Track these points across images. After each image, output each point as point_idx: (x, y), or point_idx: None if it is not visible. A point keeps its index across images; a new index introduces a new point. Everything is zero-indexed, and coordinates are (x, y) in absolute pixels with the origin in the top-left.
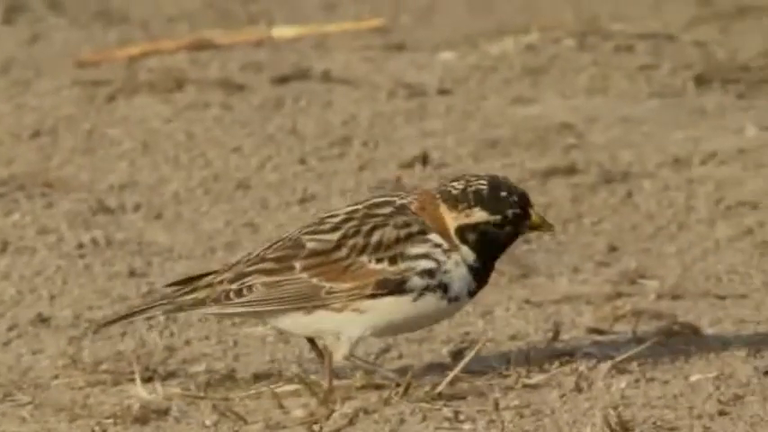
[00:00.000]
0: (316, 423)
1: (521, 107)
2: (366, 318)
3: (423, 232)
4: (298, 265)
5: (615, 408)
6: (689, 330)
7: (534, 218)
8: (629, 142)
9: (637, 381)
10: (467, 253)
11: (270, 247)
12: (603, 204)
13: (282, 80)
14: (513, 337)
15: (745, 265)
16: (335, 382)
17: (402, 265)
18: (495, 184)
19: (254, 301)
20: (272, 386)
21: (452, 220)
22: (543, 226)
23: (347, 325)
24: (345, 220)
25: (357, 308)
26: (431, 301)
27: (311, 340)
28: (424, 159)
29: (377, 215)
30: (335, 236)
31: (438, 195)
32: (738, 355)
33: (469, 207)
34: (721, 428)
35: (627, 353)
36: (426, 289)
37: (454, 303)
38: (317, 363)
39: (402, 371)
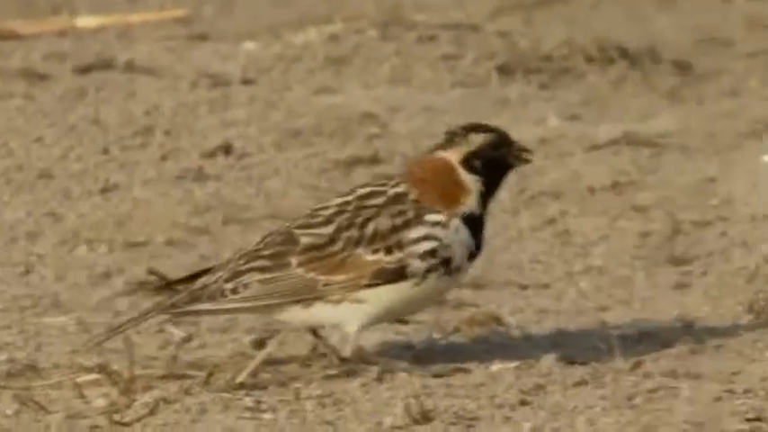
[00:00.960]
0: (116, 412)
1: (324, 97)
2: (365, 307)
3: (418, 216)
4: (293, 260)
5: (416, 397)
6: (491, 320)
7: (518, 143)
8: (432, 132)
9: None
10: (474, 184)
11: (262, 241)
12: None
13: (85, 70)
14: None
15: (546, 254)
16: (136, 372)
17: (399, 254)
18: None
19: (250, 297)
20: (72, 376)
21: (455, 155)
22: (527, 151)
23: (346, 316)
24: (337, 213)
25: (355, 298)
26: (432, 281)
27: (314, 332)
28: (227, 149)
29: (369, 206)
30: (329, 229)
31: (428, 153)
32: (540, 344)
33: (465, 136)
34: (522, 418)
35: (429, 342)
36: (429, 270)
37: (455, 275)
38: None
39: (204, 360)
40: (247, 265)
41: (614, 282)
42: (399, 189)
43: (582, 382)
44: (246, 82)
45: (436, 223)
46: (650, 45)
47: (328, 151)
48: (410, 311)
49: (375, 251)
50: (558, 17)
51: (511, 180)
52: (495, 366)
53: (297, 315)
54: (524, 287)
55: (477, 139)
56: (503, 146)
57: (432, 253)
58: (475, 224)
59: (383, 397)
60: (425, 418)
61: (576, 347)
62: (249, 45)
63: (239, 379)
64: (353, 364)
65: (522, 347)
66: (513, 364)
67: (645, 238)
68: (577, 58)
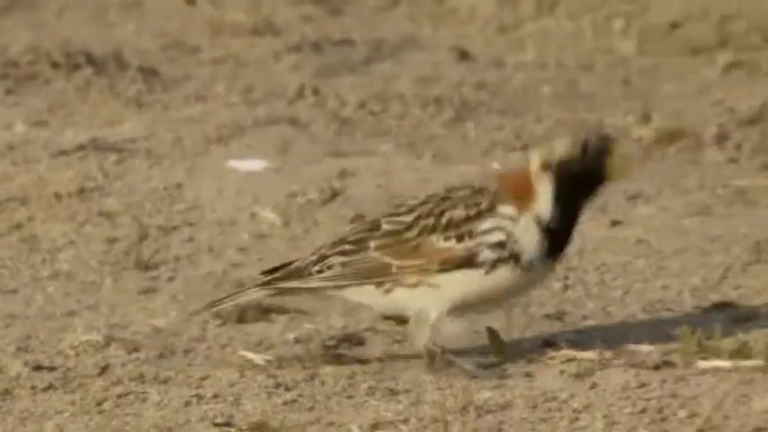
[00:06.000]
0: None
1: None
2: (441, 292)
3: (491, 208)
4: (372, 244)
5: None
6: None
7: (617, 158)
8: None
9: None
10: (547, 192)
11: (352, 231)
12: None
13: None
14: None
15: (14, 259)
16: None
17: (470, 243)
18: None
19: (331, 277)
20: None
21: (537, 156)
22: (625, 169)
23: (423, 299)
24: (422, 203)
25: (430, 282)
26: (503, 273)
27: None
28: None
29: (451, 198)
30: (409, 217)
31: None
32: (8, 350)
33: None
34: None
35: None
36: (498, 261)
37: (530, 273)
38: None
39: None
40: (333, 249)
41: (82, 287)
42: (485, 183)
43: (50, 387)
44: None
45: (507, 217)
46: (116, 51)
47: None
48: (486, 302)
49: (447, 239)
50: (23, 22)
51: None
52: None
53: (377, 299)
54: None
55: (563, 144)
56: (591, 159)
57: (500, 245)
58: (549, 227)
59: None
60: None
61: (45, 353)
62: None
63: None
64: (426, 355)
65: None
66: None
67: (112, 243)
68: (43, 63)
